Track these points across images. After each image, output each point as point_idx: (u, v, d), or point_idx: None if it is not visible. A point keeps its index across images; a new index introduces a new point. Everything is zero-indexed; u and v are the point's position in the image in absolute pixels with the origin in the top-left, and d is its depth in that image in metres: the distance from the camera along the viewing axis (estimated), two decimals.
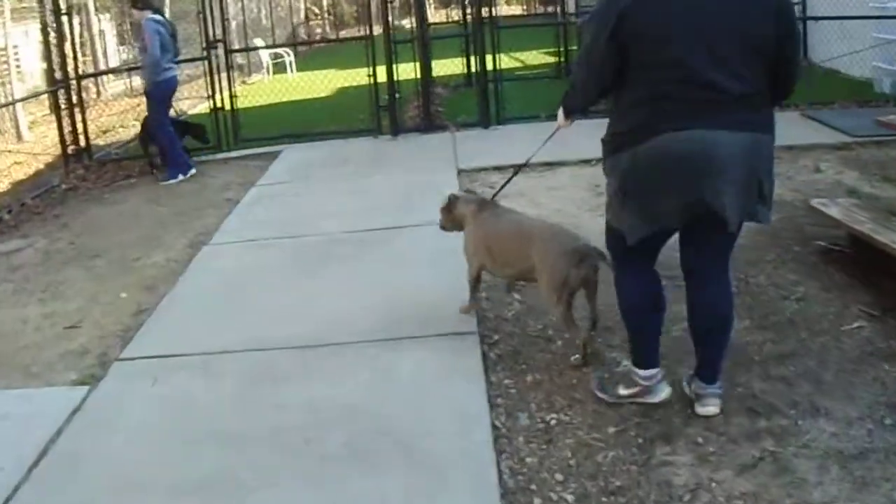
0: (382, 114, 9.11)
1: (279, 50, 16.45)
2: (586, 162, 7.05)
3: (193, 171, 8.23)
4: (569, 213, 5.96)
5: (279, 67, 16.33)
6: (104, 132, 11.34)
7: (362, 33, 12.01)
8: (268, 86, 13.87)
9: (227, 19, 9.40)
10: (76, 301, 5.21)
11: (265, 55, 16.27)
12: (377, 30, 9.44)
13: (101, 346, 4.47)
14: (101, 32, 16.58)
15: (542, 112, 8.97)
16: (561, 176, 7.05)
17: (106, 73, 14.91)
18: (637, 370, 3.29)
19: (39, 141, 11.98)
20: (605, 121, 3.14)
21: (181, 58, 8.89)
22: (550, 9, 20.98)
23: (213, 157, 9.08)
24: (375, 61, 9.06)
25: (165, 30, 7.90)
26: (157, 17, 7.93)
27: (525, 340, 4.03)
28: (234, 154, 9.11)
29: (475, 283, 4.16)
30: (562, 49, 12.72)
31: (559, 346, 3.94)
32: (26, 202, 7.97)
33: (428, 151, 8.31)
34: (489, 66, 9.17)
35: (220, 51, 9.16)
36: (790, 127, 7.21)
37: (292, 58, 16.25)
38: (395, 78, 9.01)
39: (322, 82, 11.52)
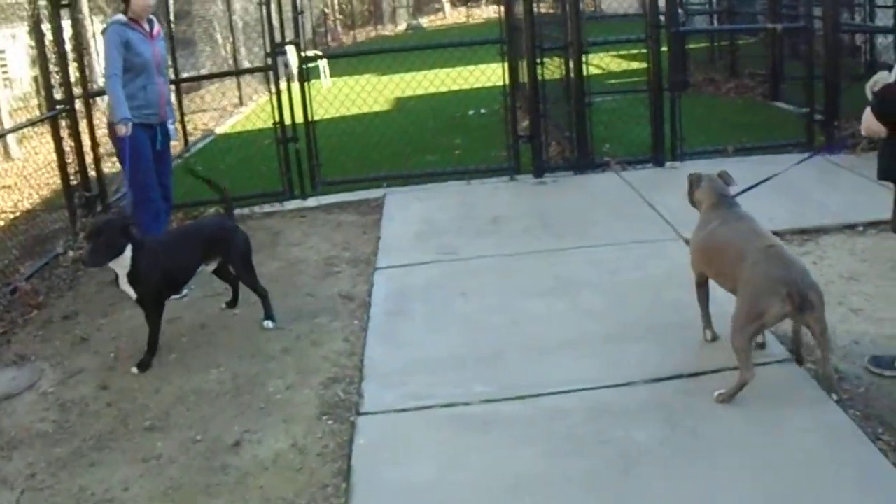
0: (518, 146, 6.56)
1: (311, 53, 13.68)
2: (851, 227, 4.92)
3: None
4: None
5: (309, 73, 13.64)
6: (111, 155, 8.63)
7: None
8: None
9: (302, 12, 6.69)
10: None
11: (293, 59, 13.51)
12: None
13: None
14: (94, 37, 13.92)
15: (728, 144, 6.63)
16: (835, 252, 4.63)
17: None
18: None
19: (31, 158, 9.73)
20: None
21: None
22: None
23: (282, 207, 6.46)
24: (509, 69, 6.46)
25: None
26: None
27: None
28: (310, 203, 6.49)
29: (700, 294, 3.54)
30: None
31: None
32: (19, 286, 5.29)
33: (606, 203, 5.67)
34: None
35: (291, 57, 6.49)
36: None
37: (325, 63, 13.52)
38: (540, 92, 6.46)
39: (368, 92, 8.73)
